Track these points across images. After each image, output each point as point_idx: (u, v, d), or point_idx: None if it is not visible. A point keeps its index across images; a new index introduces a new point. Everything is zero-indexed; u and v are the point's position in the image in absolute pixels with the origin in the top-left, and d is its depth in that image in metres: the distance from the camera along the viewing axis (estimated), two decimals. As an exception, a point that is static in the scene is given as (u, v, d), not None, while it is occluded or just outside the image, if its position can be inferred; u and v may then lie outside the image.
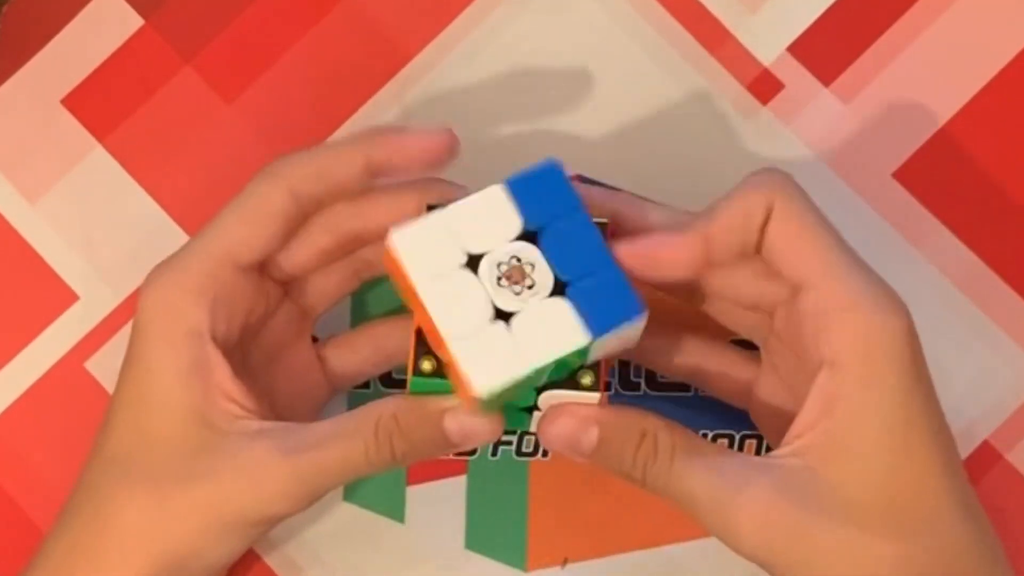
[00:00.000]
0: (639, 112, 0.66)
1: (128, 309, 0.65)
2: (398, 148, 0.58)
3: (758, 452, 0.63)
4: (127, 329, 0.64)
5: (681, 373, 0.61)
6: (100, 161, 0.66)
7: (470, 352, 0.53)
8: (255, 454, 0.55)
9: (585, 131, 0.66)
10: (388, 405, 0.56)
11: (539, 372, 0.53)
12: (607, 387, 0.56)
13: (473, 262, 0.54)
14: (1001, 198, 0.65)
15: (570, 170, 0.55)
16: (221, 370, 0.57)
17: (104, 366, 0.65)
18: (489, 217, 0.54)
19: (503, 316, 0.53)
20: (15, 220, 0.66)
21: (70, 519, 0.58)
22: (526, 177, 0.54)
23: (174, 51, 0.67)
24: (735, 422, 0.63)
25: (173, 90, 0.66)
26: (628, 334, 0.54)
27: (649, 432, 0.55)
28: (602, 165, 0.65)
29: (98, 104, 0.66)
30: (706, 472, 0.54)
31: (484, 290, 0.53)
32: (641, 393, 0.64)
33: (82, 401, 0.64)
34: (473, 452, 0.63)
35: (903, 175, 0.65)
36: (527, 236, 0.54)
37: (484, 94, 0.66)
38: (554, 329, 0.53)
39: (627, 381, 0.64)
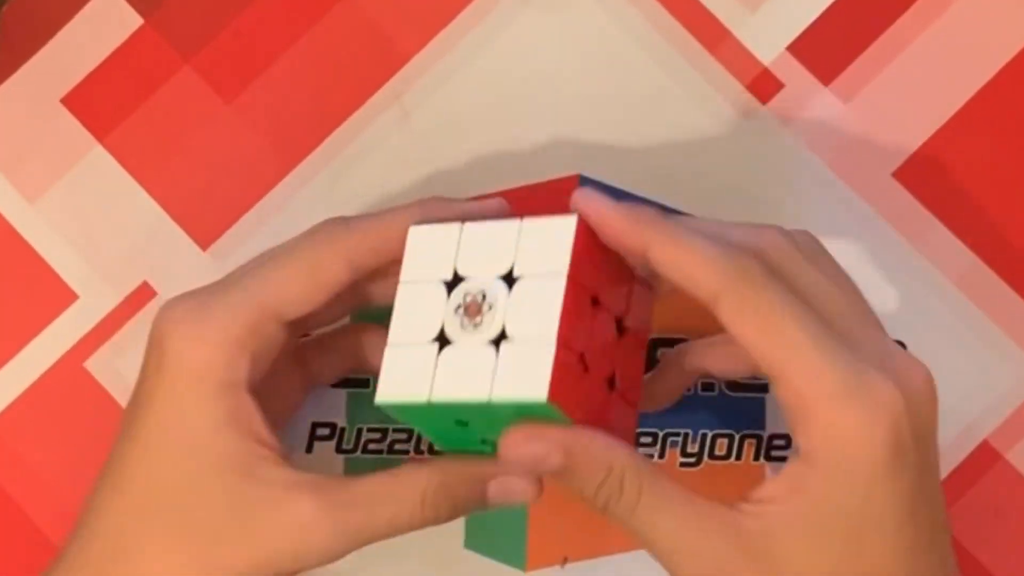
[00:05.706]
0: (638, 112, 0.66)
1: (128, 308, 0.65)
2: (455, 214, 0.57)
3: (757, 453, 0.64)
4: (127, 329, 0.64)
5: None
6: (100, 160, 0.66)
7: (394, 361, 0.53)
8: (300, 509, 0.55)
9: (584, 131, 0.66)
10: (435, 473, 0.56)
11: (457, 407, 0.53)
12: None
13: (456, 281, 0.54)
14: (1001, 198, 0.65)
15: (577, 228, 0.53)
16: (257, 419, 0.56)
17: (104, 366, 0.64)
18: (494, 246, 0.54)
19: (444, 342, 0.53)
20: (15, 220, 0.66)
21: (91, 560, 0.56)
22: (541, 222, 0.54)
23: (174, 51, 0.67)
24: (735, 422, 0.63)
25: (173, 90, 0.66)
26: (544, 413, 0.53)
27: (616, 469, 0.54)
28: (601, 165, 0.65)
29: (98, 103, 0.66)
30: (669, 520, 0.54)
31: (442, 310, 0.54)
32: (641, 393, 0.64)
33: (82, 401, 0.64)
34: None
35: (903, 175, 0.65)
36: (511, 277, 0.54)
37: (483, 94, 0.66)
38: (468, 375, 0.53)
39: (627, 380, 0.64)
